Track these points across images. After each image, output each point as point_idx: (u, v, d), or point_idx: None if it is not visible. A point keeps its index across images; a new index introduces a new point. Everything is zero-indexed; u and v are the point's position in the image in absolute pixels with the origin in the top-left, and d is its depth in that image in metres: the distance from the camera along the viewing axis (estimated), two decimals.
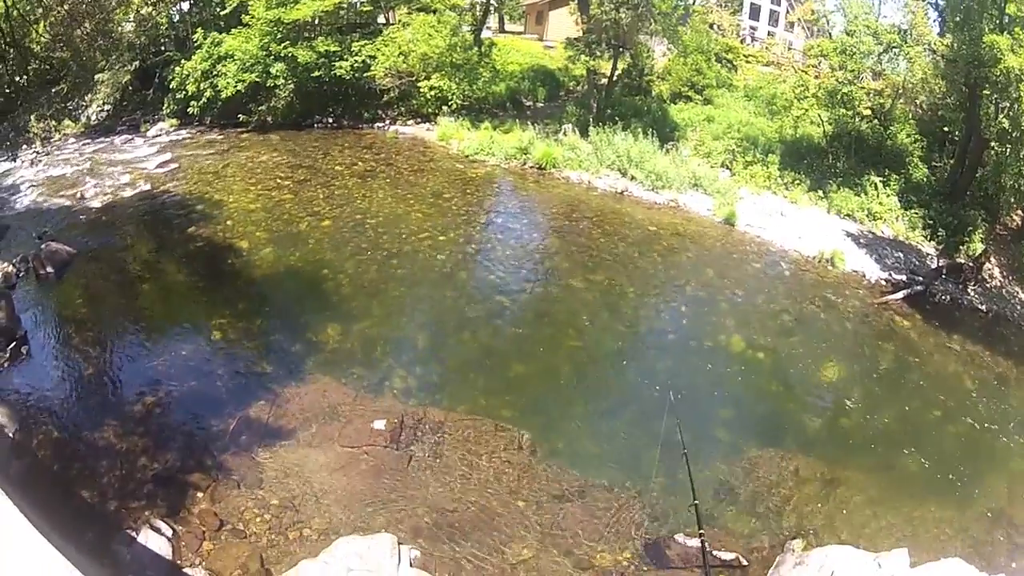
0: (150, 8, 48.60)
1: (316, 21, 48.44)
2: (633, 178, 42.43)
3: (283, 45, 46.77)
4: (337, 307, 23.20)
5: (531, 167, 42.45)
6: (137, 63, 49.78)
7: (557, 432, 19.15)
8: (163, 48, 50.76)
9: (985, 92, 41.45)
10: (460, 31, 50.62)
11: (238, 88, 45.46)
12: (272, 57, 46.60)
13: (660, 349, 25.72)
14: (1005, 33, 39.21)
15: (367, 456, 16.76)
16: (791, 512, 18.83)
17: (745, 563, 16.71)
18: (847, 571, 15.20)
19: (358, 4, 51.69)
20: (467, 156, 42.82)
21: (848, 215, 46.34)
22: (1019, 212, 50.27)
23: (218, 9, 50.46)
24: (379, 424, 17.55)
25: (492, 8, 62.35)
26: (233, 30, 48.07)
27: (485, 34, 57.54)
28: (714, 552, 16.39)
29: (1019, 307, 43.60)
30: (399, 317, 23.75)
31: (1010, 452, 26.74)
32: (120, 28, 47.67)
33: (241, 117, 46.45)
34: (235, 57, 46.08)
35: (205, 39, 47.33)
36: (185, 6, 52.29)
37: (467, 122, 47.26)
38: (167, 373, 18.90)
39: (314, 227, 29.32)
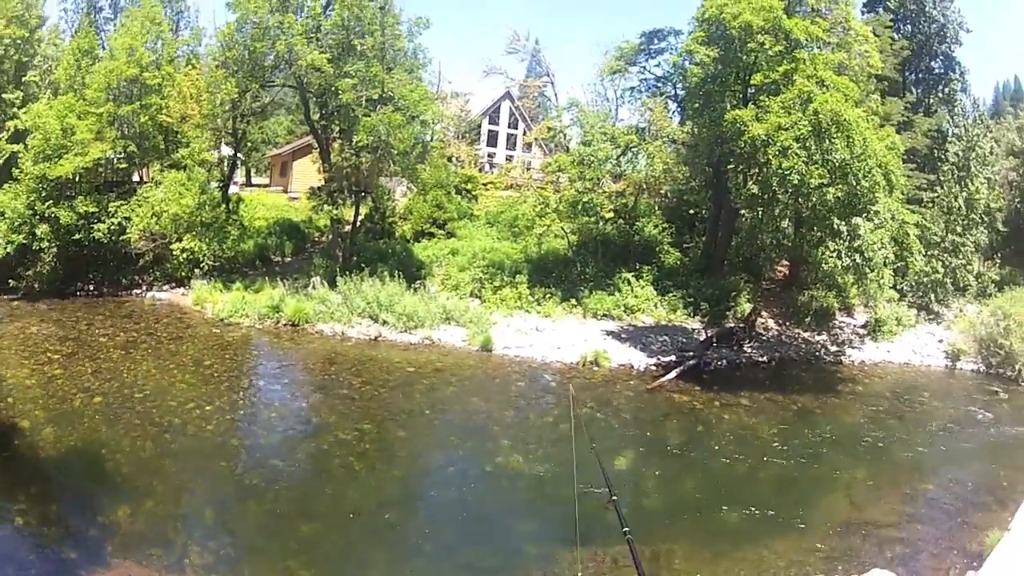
0: None
1: (76, 178, 48.32)
2: (385, 322, 44.00)
3: (47, 204, 46.76)
4: (122, 487, 22.95)
5: (284, 325, 43.81)
6: None
7: None
8: None
9: (730, 166, 43.82)
10: (209, 188, 51.05)
11: (7, 250, 45.24)
12: (38, 217, 46.50)
13: (441, 484, 26.28)
14: (749, 105, 42.15)
15: None
16: None
17: None
18: None
19: (115, 161, 51.40)
20: (222, 319, 43.81)
21: (605, 315, 48.20)
22: (783, 265, 54.64)
23: None
24: None
25: (239, 162, 62.72)
26: (4, 184, 48.11)
27: (232, 189, 58.24)
28: None
29: (802, 345, 48.28)
30: (181, 493, 23.51)
31: (836, 467, 29.39)
32: None
33: (11, 283, 45.97)
34: (5, 215, 45.90)
35: None
36: None
37: (220, 284, 48.04)
38: None
39: (87, 404, 29.05)
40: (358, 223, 54.79)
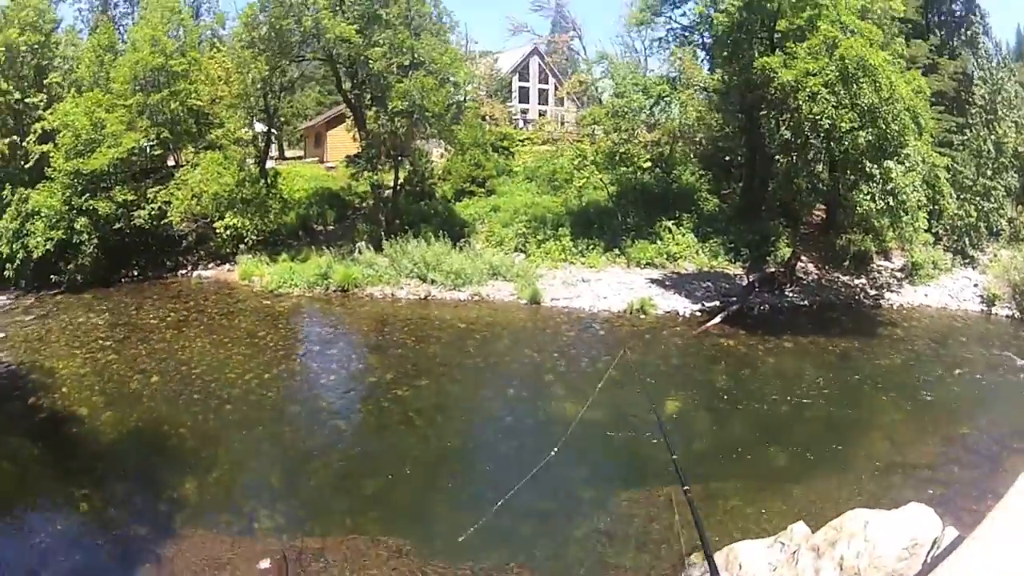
0: None
1: (112, 170, 48.52)
2: (433, 281, 44.36)
3: (84, 198, 46.96)
4: (187, 460, 23.22)
5: (334, 291, 44.23)
6: None
7: (430, 530, 19.61)
8: None
9: (762, 112, 44.11)
10: (246, 165, 51.20)
11: (47, 247, 45.30)
12: (75, 211, 46.67)
13: (500, 434, 26.74)
14: (776, 52, 41.69)
15: None
16: (677, 536, 19.05)
17: None
18: (752, 560, 15.50)
19: (148, 149, 51.80)
20: (271, 291, 44.13)
21: (648, 264, 48.41)
22: (820, 209, 54.14)
23: (22, 162, 50.59)
24: (264, 564, 17.65)
25: (272, 137, 63.08)
26: (38, 185, 48.12)
27: (268, 164, 58.36)
28: None
29: (842, 289, 48.37)
30: (247, 460, 23.90)
31: (877, 409, 29.68)
32: None
33: (53, 278, 46.11)
34: (42, 214, 46.00)
35: (13, 195, 47.21)
36: None
37: (265, 257, 48.27)
38: (52, 549, 18.57)
39: (145, 384, 29.32)
40: (398, 187, 55.03)
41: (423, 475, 22.72)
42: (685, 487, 12.90)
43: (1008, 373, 35.92)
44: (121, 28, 78.89)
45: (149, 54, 50.26)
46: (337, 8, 47.69)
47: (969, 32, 69.91)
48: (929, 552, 13.15)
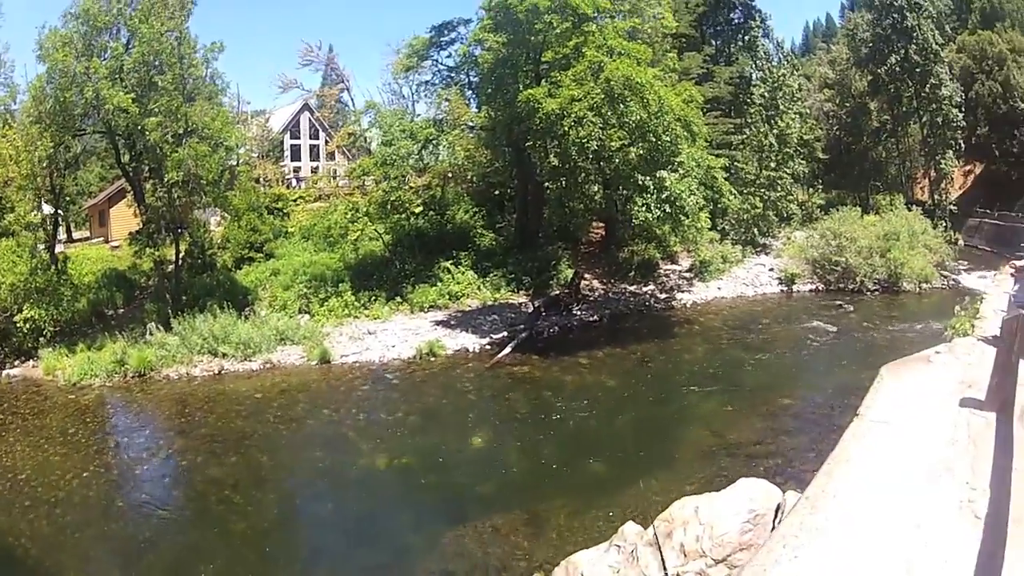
0: None
1: None
2: (224, 355, 44.74)
3: None
4: (35, 570, 23.41)
5: (132, 377, 43.59)
6: None
7: None
8: None
9: (529, 144, 45.55)
10: (37, 251, 49.98)
11: None
12: None
13: (317, 497, 28.06)
14: (542, 82, 43.88)
15: None
16: (513, 560, 21.01)
17: None
18: (592, 568, 16.69)
19: None
20: (75, 384, 42.92)
21: (432, 307, 50.20)
22: (599, 227, 58.00)
23: None
24: None
25: (60, 219, 61.51)
26: None
27: (57, 248, 57.22)
28: None
29: (631, 298, 51.53)
30: (86, 563, 23.99)
31: (689, 403, 32.32)
32: None
33: None
34: None
35: None
36: None
37: (64, 349, 46.91)
38: None
39: None
40: (180, 261, 54.90)
41: (252, 551, 23.80)
42: None
43: (821, 341, 40.11)
44: None
45: None
46: (116, 77, 47.72)
47: (747, 37, 75.19)
48: (775, 519, 15.27)
